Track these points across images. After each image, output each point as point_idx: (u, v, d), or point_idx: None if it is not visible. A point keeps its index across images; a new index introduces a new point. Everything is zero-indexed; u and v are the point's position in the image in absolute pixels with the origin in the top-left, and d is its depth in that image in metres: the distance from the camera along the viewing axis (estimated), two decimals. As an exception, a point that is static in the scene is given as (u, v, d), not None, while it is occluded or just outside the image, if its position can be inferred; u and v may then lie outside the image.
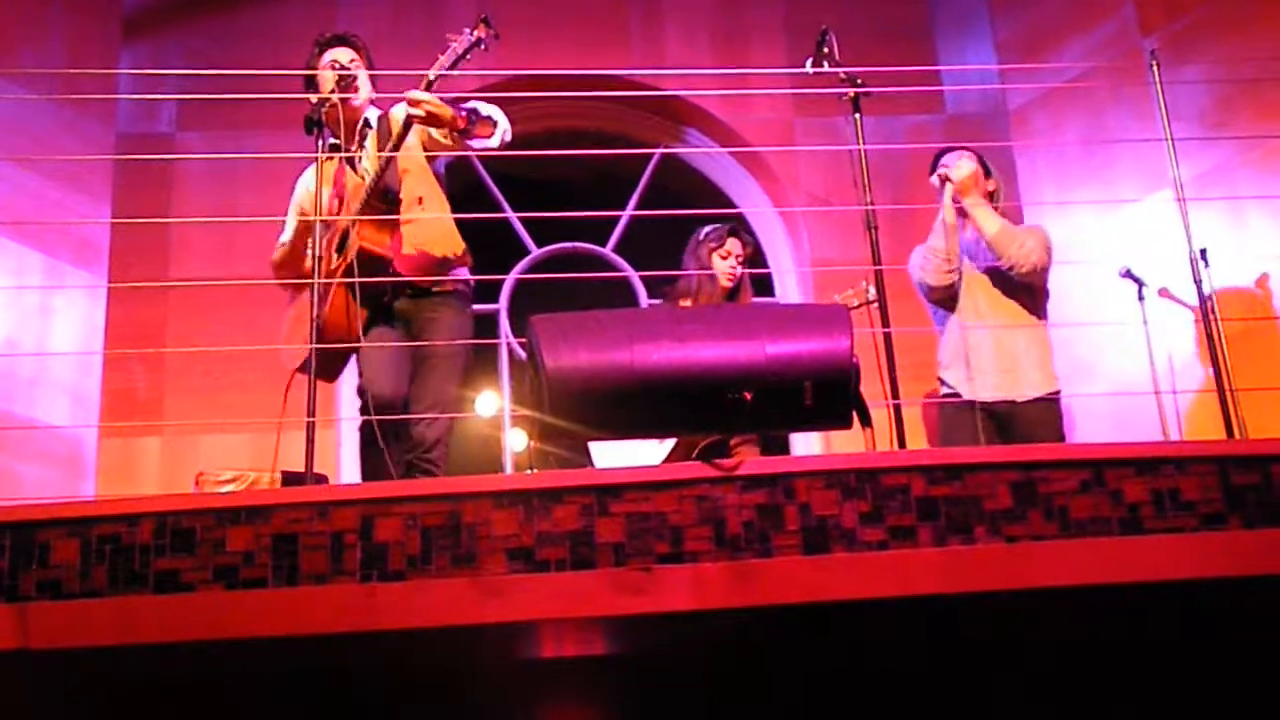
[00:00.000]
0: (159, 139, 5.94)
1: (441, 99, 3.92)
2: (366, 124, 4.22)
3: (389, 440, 3.77)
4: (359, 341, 3.91)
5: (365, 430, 3.99)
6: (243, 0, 6.20)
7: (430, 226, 4.11)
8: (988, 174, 4.75)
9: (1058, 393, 4.55)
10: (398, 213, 4.06)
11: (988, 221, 4.58)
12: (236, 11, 6.18)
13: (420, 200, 4.11)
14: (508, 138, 4.06)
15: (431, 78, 3.91)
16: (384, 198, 4.02)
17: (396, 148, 3.99)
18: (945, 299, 4.67)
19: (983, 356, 4.55)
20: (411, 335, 4.06)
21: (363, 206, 3.95)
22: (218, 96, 5.09)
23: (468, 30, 3.89)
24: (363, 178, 4.08)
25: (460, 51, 3.89)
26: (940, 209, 4.65)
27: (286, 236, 4.30)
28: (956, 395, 4.55)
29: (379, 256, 3.96)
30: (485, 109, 4.02)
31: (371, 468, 3.95)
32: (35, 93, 5.43)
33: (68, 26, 5.81)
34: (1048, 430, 4.45)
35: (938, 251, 4.62)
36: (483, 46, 3.88)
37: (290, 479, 3.72)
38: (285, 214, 4.35)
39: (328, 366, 3.90)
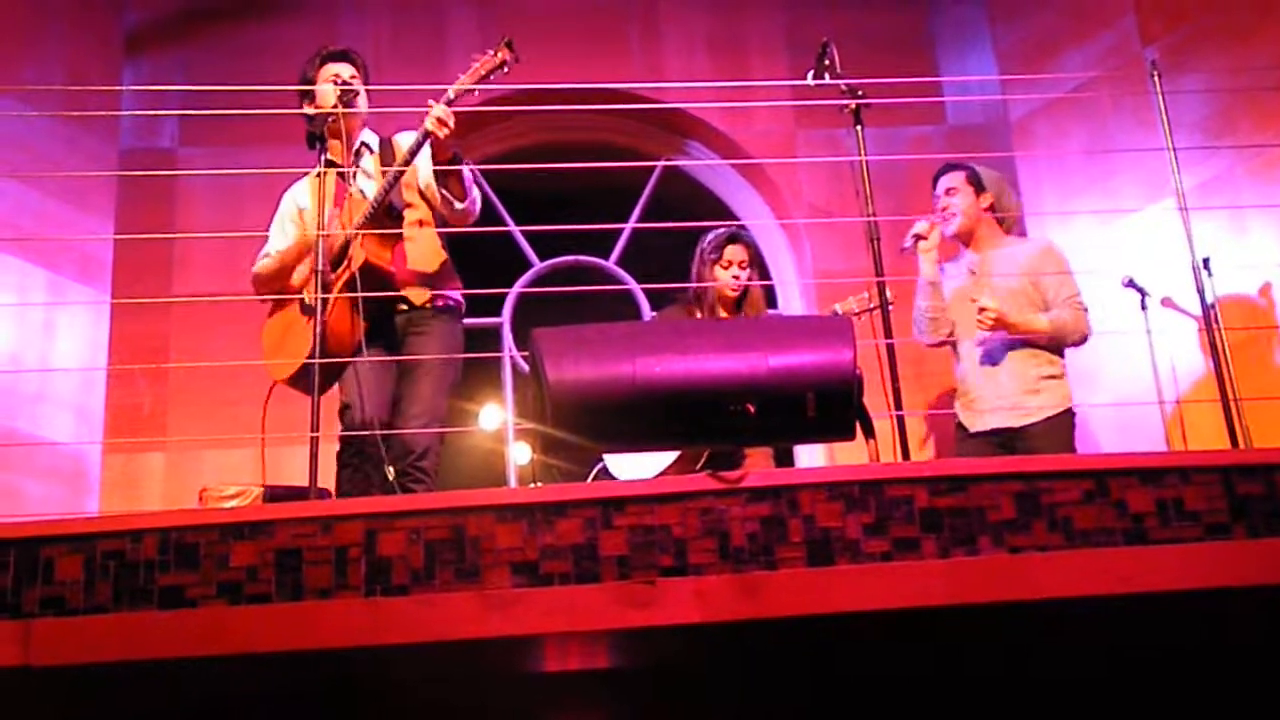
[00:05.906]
0: (162, 154, 5.96)
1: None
2: (365, 146, 4.26)
3: (377, 461, 3.79)
4: (359, 350, 3.91)
5: (343, 452, 3.99)
6: (244, 16, 6.22)
7: (425, 247, 4.17)
8: (980, 190, 4.71)
9: (1067, 411, 4.47)
10: (400, 229, 4.11)
11: (1037, 325, 4.48)
12: (238, 27, 6.20)
13: (420, 223, 4.17)
14: (475, 210, 4.10)
15: (452, 95, 3.92)
16: (389, 213, 4.06)
17: (408, 163, 4.02)
18: (946, 345, 4.75)
19: (973, 387, 4.58)
20: (399, 350, 4.08)
21: (367, 222, 3.97)
22: (220, 112, 5.10)
23: (492, 51, 3.92)
24: (362, 194, 4.11)
25: (483, 73, 3.92)
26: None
27: (276, 248, 4.28)
28: (962, 426, 4.61)
29: (382, 270, 4.00)
30: (467, 173, 4.06)
31: (352, 489, 3.93)
32: (38, 109, 5.44)
33: (70, 43, 5.83)
34: (1052, 448, 4.30)
35: (925, 310, 4.67)
36: (505, 70, 3.91)
37: (275, 495, 3.71)
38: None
39: (327, 375, 3.87)
